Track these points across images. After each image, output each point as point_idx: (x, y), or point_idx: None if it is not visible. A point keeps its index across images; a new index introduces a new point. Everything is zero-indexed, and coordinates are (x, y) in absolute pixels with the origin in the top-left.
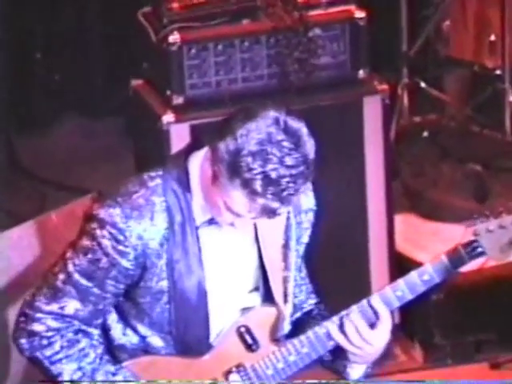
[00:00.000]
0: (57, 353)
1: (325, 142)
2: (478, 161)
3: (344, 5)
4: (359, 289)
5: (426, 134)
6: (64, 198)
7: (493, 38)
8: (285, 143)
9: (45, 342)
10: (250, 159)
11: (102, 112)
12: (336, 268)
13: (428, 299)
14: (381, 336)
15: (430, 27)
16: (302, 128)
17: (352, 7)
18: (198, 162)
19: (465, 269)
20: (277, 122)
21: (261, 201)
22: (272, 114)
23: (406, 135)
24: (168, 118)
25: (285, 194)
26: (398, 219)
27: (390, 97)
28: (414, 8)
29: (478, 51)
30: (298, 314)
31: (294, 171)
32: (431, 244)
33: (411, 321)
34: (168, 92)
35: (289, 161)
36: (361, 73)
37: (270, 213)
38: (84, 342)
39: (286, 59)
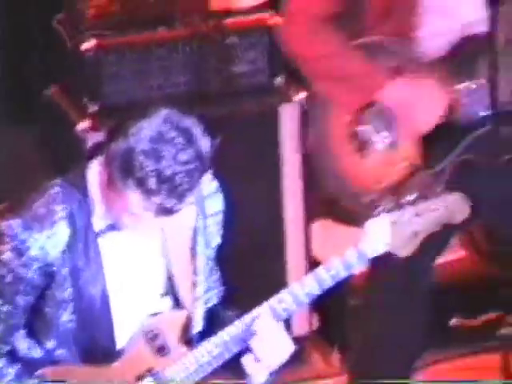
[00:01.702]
0: None
1: (242, 148)
2: None
3: (261, 12)
4: (276, 293)
5: None
6: None
7: None
8: (177, 140)
9: None
10: (142, 158)
11: (17, 120)
12: (253, 272)
13: (346, 304)
14: (287, 338)
15: None
16: (194, 125)
17: (268, 15)
18: (96, 167)
19: None
20: (168, 119)
21: (156, 199)
22: (163, 112)
23: None
24: (84, 125)
25: (180, 190)
26: (316, 225)
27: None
28: None
29: None
30: (210, 316)
31: (187, 167)
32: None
33: (330, 326)
34: (84, 99)
35: (182, 157)
36: (277, 80)
37: (167, 211)
38: (1, 362)
39: (203, 67)
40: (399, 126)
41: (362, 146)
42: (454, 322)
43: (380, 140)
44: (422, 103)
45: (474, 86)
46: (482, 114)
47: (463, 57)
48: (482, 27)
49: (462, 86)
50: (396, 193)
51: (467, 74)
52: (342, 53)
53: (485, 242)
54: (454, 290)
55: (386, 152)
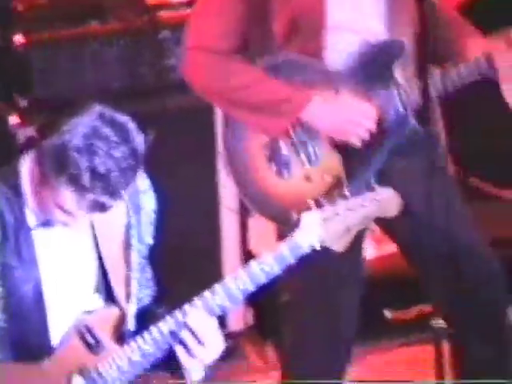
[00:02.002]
0: None
1: (176, 143)
2: None
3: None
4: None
5: None
6: None
7: None
8: (111, 137)
9: None
10: (75, 154)
11: None
12: (188, 269)
13: (279, 300)
14: (219, 333)
15: None
16: (128, 122)
17: None
18: (27, 163)
19: None
20: (102, 116)
21: (90, 196)
22: (97, 108)
23: None
24: (13, 120)
25: (114, 187)
26: (252, 221)
27: None
28: None
29: None
30: (143, 313)
31: (122, 164)
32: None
33: (264, 321)
34: (14, 94)
35: (116, 154)
36: None
37: (101, 207)
38: None
39: (137, 61)
40: (321, 141)
41: (282, 166)
42: (387, 314)
43: (299, 158)
44: (353, 116)
45: (388, 92)
46: (399, 117)
47: (377, 63)
48: (387, 36)
49: (376, 92)
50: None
51: (383, 80)
52: (255, 81)
53: None
54: (387, 282)
55: (307, 169)
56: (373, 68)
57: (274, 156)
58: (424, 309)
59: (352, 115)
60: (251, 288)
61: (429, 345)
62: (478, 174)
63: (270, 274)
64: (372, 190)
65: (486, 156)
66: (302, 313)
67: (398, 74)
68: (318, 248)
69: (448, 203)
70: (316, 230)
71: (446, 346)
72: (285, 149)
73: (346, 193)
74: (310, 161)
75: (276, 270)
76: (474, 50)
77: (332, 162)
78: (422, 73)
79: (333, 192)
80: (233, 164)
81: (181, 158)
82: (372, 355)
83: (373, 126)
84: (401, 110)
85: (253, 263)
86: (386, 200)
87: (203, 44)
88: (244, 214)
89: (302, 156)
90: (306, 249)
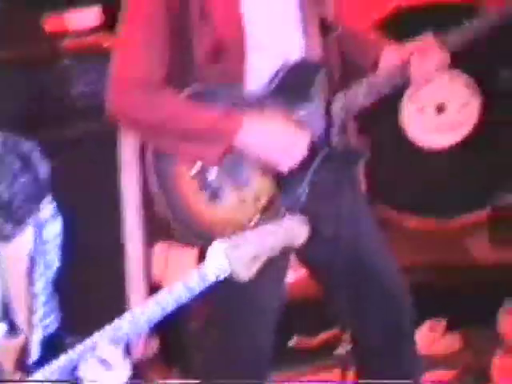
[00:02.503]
0: None
1: (81, 171)
2: None
3: (98, 33)
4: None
5: None
6: None
7: None
8: (14, 164)
9: None
10: None
11: None
12: (94, 297)
13: (186, 327)
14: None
15: None
16: (31, 149)
17: (105, 36)
18: None
19: None
20: (5, 143)
21: None
22: (0, 136)
23: None
24: None
25: (18, 215)
26: (157, 247)
27: None
28: None
29: None
30: (49, 342)
31: (25, 192)
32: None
33: (170, 349)
34: None
35: (20, 182)
36: None
37: (4, 236)
38: None
39: (40, 89)
40: (254, 167)
41: (214, 193)
42: (293, 341)
43: (229, 184)
44: (287, 142)
45: (312, 111)
46: (323, 135)
47: (297, 83)
48: (306, 55)
49: (300, 112)
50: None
51: (303, 101)
52: (185, 111)
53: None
54: (292, 309)
55: (237, 195)
56: (295, 88)
57: (205, 182)
58: (329, 335)
59: (286, 145)
60: (159, 317)
61: (334, 371)
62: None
63: (178, 303)
64: (281, 218)
65: (389, 182)
66: (216, 341)
67: (320, 92)
68: (224, 278)
69: (361, 224)
70: (222, 260)
71: (351, 372)
72: (216, 174)
73: (282, 214)
74: (241, 184)
75: (184, 299)
76: (390, 58)
77: (264, 184)
78: (340, 88)
79: (267, 214)
80: (164, 189)
81: (86, 184)
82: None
83: (305, 152)
84: (325, 128)
85: (161, 293)
86: (294, 228)
87: (130, 75)
88: (149, 241)
89: (234, 180)
90: (212, 279)
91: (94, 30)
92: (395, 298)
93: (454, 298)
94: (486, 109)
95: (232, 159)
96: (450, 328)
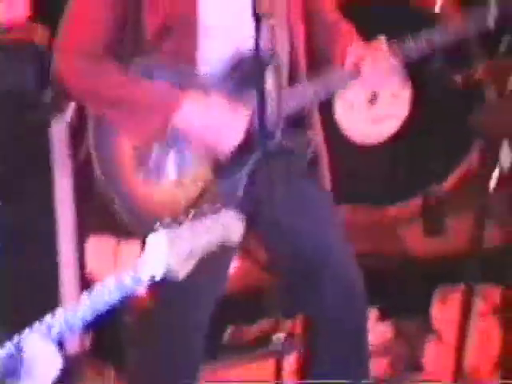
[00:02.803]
0: None
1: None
2: None
3: (27, 25)
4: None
5: None
6: None
7: None
8: None
9: None
10: None
11: None
12: (27, 293)
13: (120, 321)
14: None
15: None
16: None
17: (34, 27)
18: None
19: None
20: None
21: None
22: None
23: None
24: None
25: None
26: (91, 242)
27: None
28: None
29: None
30: None
31: None
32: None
33: (105, 344)
34: None
35: None
36: (46, 95)
37: None
38: None
39: None
40: (191, 149)
41: (153, 170)
42: (230, 331)
43: (169, 164)
44: (223, 126)
45: (258, 102)
46: (271, 127)
47: (247, 72)
48: (259, 45)
49: (245, 102)
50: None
51: (250, 91)
52: (129, 81)
53: (262, 252)
54: (229, 299)
55: (179, 175)
56: (243, 77)
57: (144, 159)
58: (266, 324)
59: (223, 126)
60: (92, 314)
61: (270, 360)
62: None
63: (112, 299)
64: (218, 212)
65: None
66: (148, 336)
67: (269, 83)
68: (160, 276)
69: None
70: (160, 257)
71: (287, 361)
72: (155, 152)
73: (218, 201)
74: (180, 166)
75: (119, 295)
76: (348, 55)
77: (203, 169)
78: (295, 81)
79: (203, 200)
80: (104, 165)
81: (17, 178)
82: (215, 372)
83: (241, 138)
84: (270, 120)
85: (95, 289)
86: (230, 224)
87: (78, 47)
88: (82, 235)
89: (173, 161)
90: (148, 275)
91: (23, 21)
92: (349, 281)
93: (386, 287)
94: (418, 100)
95: (173, 139)
96: (382, 317)
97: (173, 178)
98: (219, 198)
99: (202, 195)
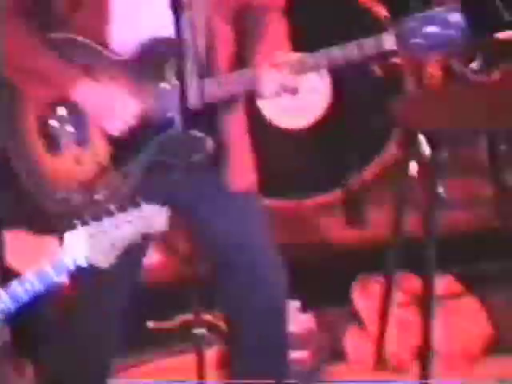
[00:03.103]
0: None
1: None
2: None
3: None
4: None
5: None
6: None
7: None
8: None
9: None
10: None
11: None
12: None
13: (40, 316)
14: None
15: None
16: None
17: None
18: None
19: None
20: None
21: None
22: None
23: None
24: None
25: None
26: (10, 234)
27: None
28: None
29: None
30: None
31: None
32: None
33: (23, 338)
34: None
35: None
36: None
37: None
38: None
39: None
40: (90, 125)
41: (53, 142)
42: (150, 324)
43: (69, 138)
44: (114, 105)
45: (165, 88)
46: (172, 115)
47: (153, 59)
48: (170, 31)
49: (153, 87)
50: (86, 192)
51: (158, 76)
52: (33, 47)
53: (182, 244)
54: (149, 292)
55: (77, 150)
56: (148, 64)
57: (45, 131)
58: (186, 318)
59: (111, 103)
60: (12, 307)
61: (190, 353)
62: None
63: (32, 292)
64: (137, 206)
65: None
66: (62, 329)
67: (174, 73)
68: (83, 266)
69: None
70: (81, 249)
71: (208, 354)
72: (55, 125)
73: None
74: (78, 142)
75: (39, 287)
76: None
77: (100, 150)
78: (201, 75)
79: (99, 182)
80: (14, 139)
81: None
82: (135, 366)
83: (131, 121)
84: (174, 109)
85: (14, 282)
86: (151, 216)
87: None
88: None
89: (70, 135)
90: (70, 267)
91: None
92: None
93: (306, 277)
94: (336, 91)
95: (72, 114)
96: (303, 308)
97: (72, 153)
98: (116, 185)
99: (99, 176)
